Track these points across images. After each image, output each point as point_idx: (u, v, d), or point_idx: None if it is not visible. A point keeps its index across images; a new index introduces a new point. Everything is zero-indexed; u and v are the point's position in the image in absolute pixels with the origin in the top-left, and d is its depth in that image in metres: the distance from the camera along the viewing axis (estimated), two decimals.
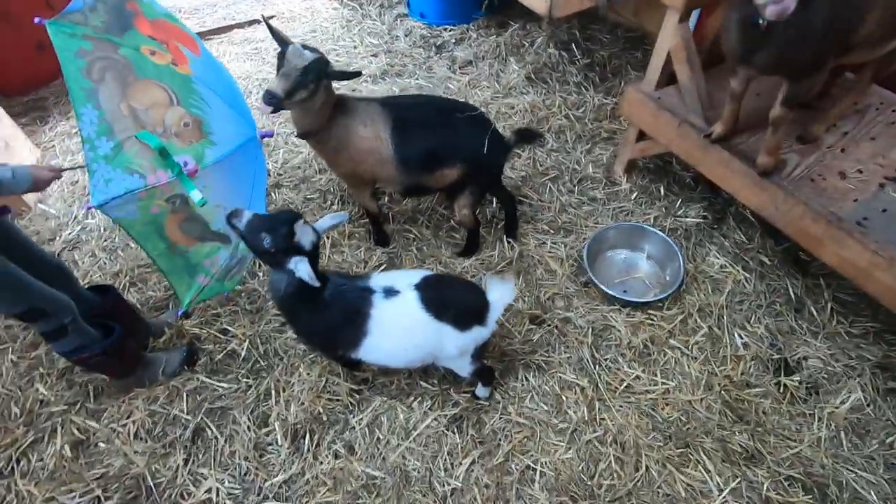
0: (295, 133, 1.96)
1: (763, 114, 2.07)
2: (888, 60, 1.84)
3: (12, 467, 1.81)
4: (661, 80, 2.28)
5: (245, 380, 2.04)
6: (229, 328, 2.18)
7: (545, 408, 1.94)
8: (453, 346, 1.68)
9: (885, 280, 1.68)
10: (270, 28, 1.77)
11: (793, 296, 2.18)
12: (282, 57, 1.74)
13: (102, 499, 1.72)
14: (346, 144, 1.99)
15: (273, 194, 2.75)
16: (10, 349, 2.12)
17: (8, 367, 2.06)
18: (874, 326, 2.06)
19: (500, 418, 1.93)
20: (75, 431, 1.89)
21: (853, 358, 2.00)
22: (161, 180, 1.48)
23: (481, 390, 1.95)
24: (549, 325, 2.17)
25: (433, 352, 1.69)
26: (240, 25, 4.17)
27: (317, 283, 1.51)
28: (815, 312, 2.13)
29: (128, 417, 1.93)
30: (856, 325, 2.08)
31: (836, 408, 1.88)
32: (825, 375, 1.98)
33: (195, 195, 1.50)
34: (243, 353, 2.11)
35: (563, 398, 1.96)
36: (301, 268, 1.50)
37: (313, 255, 1.55)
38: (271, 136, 1.71)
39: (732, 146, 2.06)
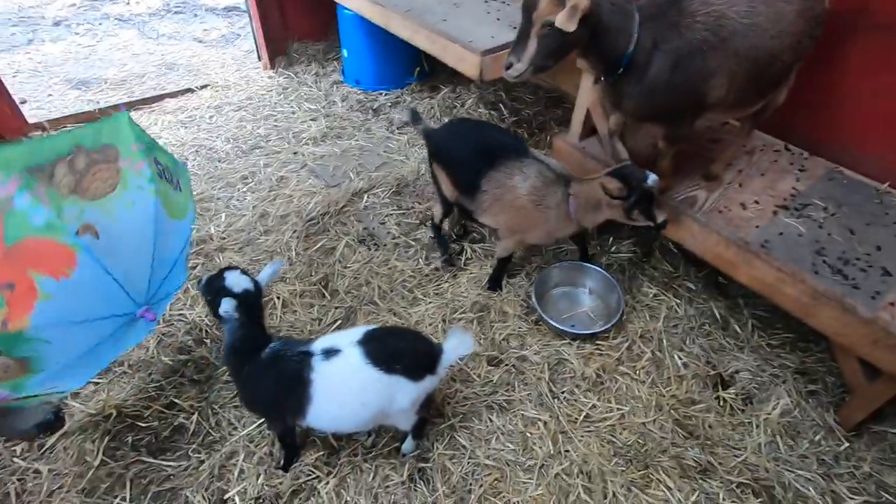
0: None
1: (681, 161, 2.37)
2: (759, 116, 2.20)
3: None
4: (583, 131, 2.56)
5: (196, 455, 1.90)
6: (176, 401, 2.05)
7: (511, 447, 1.97)
8: (407, 398, 1.67)
9: (791, 293, 1.92)
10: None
11: (718, 316, 2.41)
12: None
13: None
14: None
15: (217, 258, 2.69)
16: None
17: None
18: (789, 336, 2.32)
19: (469, 463, 1.92)
20: None
21: (776, 367, 2.22)
22: None
23: (408, 445, 1.92)
24: (506, 365, 2.24)
25: (385, 408, 1.67)
26: (172, 95, 4.16)
27: (231, 314, 1.52)
28: (738, 329, 2.36)
29: None
30: (774, 337, 2.33)
31: (769, 414, 2.06)
32: (756, 385, 2.17)
33: None
34: (192, 427, 1.98)
35: (528, 435, 2.00)
36: (223, 304, 1.51)
37: (248, 303, 1.57)
38: (152, 320, 1.61)
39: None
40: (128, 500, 1.77)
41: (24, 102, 3.87)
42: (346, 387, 1.62)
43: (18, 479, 1.81)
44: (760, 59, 1.78)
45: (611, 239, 2.78)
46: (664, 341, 2.32)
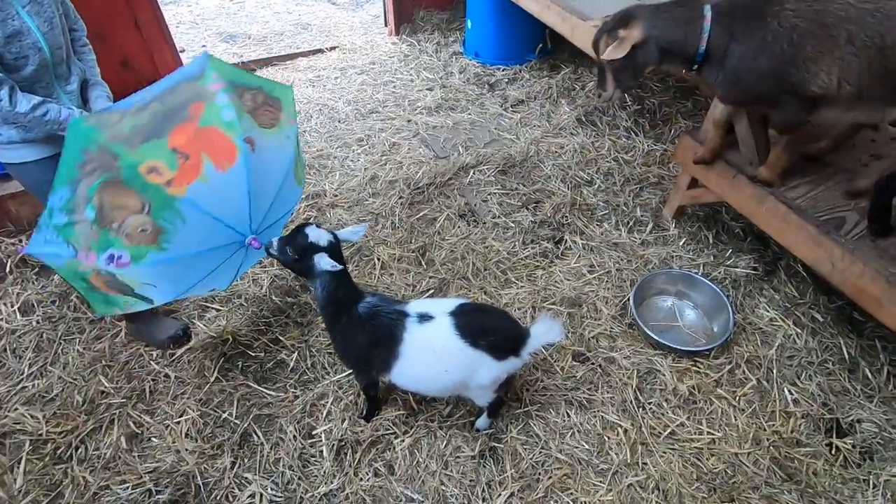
0: None
1: (821, 170, 2.11)
2: None
3: (71, 454, 1.89)
4: None
5: (293, 390, 2.10)
6: (280, 338, 2.26)
7: (586, 446, 1.93)
8: (487, 375, 1.69)
9: None
10: None
11: (846, 355, 2.13)
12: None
13: (154, 492, 1.78)
14: None
15: (328, 213, 2.88)
16: (78, 340, 2.24)
17: (74, 358, 2.18)
18: None
19: (540, 453, 1.92)
20: (131, 425, 1.97)
21: None
22: (89, 259, 1.51)
23: (483, 421, 1.95)
24: (592, 364, 2.18)
25: (465, 380, 1.70)
26: (304, 54, 4.44)
27: (339, 266, 1.59)
28: (870, 375, 2.08)
29: (180, 416, 2.00)
30: None
31: (893, 476, 1.81)
32: (880, 441, 1.91)
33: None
34: (292, 364, 2.18)
35: (606, 438, 1.95)
36: (322, 261, 1.59)
37: (335, 255, 1.64)
38: (258, 247, 1.73)
39: (790, 200, 2.08)
40: (234, 416, 2.00)
41: (182, 51, 4.34)
42: (431, 351, 1.67)
43: (152, 380, 2.12)
44: (890, 48, 1.61)
45: (729, 251, 2.55)
46: (774, 371, 2.11)
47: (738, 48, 1.78)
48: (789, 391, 2.05)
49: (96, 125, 1.48)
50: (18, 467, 1.84)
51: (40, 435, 1.92)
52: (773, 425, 1.96)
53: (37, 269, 2.50)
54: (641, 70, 1.92)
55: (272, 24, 5.01)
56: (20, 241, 2.57)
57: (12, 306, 2.33)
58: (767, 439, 1.92)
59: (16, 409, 1.99)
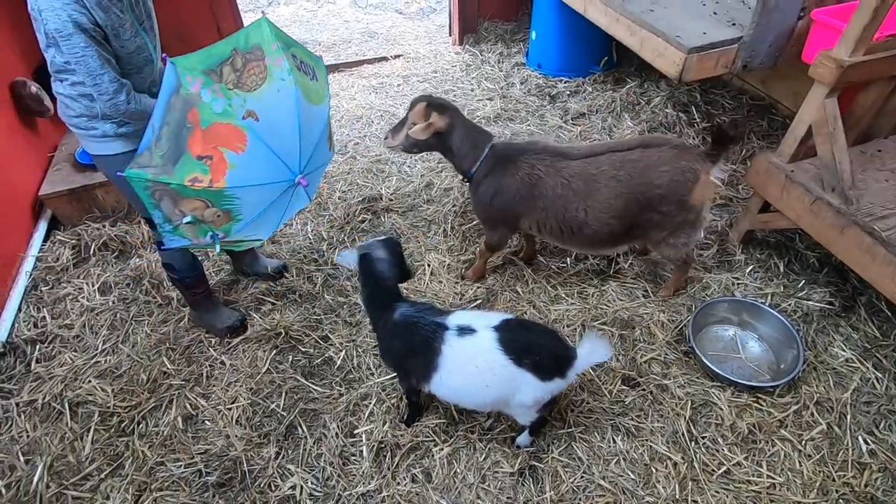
0: None
1: None
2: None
3: (133, 428, 2.02)
4: (796, 152, 2.19)
5: (338, 387, 2.14)
6: (330, 335, 2.32)
7: (632, 476, 1.84)
8: (530, 395, 1.64)
9: None
10: None
11: None
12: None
13: (203, 473, 1.87)
14: None
15: (383, 217, 2.94)
16: (146, 322, 2.40)
17: (142, 338, 2.33)
18: None
19: (582, 477, 1.86)
20: (188, 406, 2.08)
21: None
22: (200, 241, 1.87)
23: (524, 438, 1.90)
24: (643, 390, 2.08)
25: (506, 397, 1.67)
26: (369, 61, 4.58)
27: (351, 264, 1.81)
28: None
29: (232, 402, 2.09)
30: None
31: None
32: None
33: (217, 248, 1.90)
34: (339, 362, 2.23)
35: (653, 470, 1.85)
36: (343, 254, 1.83)
37: (371, 265, 1.77)
38: (306, 185, 1.90)
39: (877, 231, 1.91)
40: (281, 407, 2.07)
41: None
42: (472, 365, 1.64)
43: (210, 365, 2.24)
44: (569, 221, 2.13)
45: (801, 282, 2.38)
46: (848, 417, 1.93)
47: (487, 184, 2.20)
48: (864, 440, 1.87)
49: (139, 170, 1.68)
50: (87, 436, 1.98)
51: (108, 407, 2.06)
52: (844, 476, 1.80)
53: (116, 253, 2.71)
54: (428, 148, 2.29)
55: (341, 31, 5.20)
56: (104, 225, 2.80)
57: (93, 286, 2.53)
58: (837, 490, 1.76)
59: (89, 381, 2.15)
